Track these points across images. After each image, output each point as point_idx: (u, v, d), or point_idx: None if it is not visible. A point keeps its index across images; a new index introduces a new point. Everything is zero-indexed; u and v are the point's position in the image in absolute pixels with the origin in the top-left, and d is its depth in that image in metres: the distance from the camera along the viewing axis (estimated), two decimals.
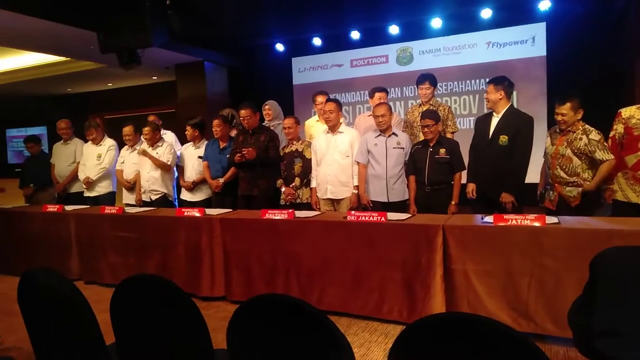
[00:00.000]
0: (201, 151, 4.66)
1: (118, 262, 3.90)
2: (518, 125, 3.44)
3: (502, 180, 3.43)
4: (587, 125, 3.17)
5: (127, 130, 4.95)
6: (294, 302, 1.05)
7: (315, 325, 1.07)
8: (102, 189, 5.10)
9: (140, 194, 4.75)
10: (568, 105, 3.12)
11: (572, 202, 3.19)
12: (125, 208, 4.20)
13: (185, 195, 4.74)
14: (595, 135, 3.11)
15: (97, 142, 5.15)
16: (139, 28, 5.20)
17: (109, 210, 4.07)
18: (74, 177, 5.27)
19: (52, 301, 1.53)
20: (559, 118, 3.18)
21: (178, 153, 4.86)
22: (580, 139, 3.13)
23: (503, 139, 3.42)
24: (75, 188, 5.30)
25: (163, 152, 4.67)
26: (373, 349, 2.63)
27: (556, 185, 3.27)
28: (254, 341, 1.17)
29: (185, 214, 3.67)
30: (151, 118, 5.61)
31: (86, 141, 5.26)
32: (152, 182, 4.67)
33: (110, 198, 5.13)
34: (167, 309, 1.30)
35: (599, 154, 3.08)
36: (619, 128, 3.21)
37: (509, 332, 0.90)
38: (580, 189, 3.16)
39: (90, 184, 5.05)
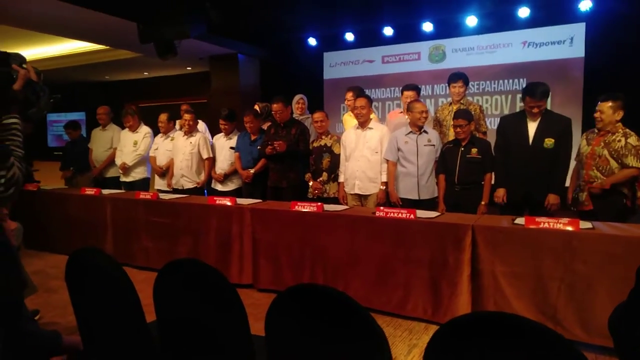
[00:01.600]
0: (232, 142, 4.76)
1: (151, 246, 4.04)
2: (561, 128, 3.38)
3: (547, 182, 3.39)
4: (627, 129, 3.12)
5: (162, 117, 5.14)
6: (336, 294, 1.09)
7: (356, 319, 1.10)
8: (137, 174, 5.28)
9: (171, 179, 4.89)
10: (609, 104, 3.12)
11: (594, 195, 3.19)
12: (159, 194, 4.33)
13: (217, 185, 4.85)
14: (634, 140, 3.06)
15: (133, 129, 5.32)
16: (177, 20, 5.33)
17: (143, 195, 4.20)
18: (110, 162, 5.46)
19: (100, 279, 1.61)
20: (597, 115, 3.20)
21: (210, 142, 4.98)
22: (619, 141, 3.10)
23: (549, 141, 3.34)
24: (111, 173, 5.49)
25: (197, 143, 4.79)
26: (397, 344, 2.66)
27: (586, 186, 3.22)
28: (292, 329, 1.21)
29: (217, 202, 3.77)
30: (184, 107, 5.73)
31: (123, 128, 5.44)
32: (186, 171, 4.81)
33: (145, 184, 5.30)
34: (210, 293, 1.37)
35: (630, 160, 3.05)
36: None
37: (557, 337, 0.87)
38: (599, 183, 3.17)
39: (126, 169, 5.22)
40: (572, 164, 3.51)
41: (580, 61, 5.87)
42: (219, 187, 4.83)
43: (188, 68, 9.04)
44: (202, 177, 4.84)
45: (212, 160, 4.86)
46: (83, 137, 6.01)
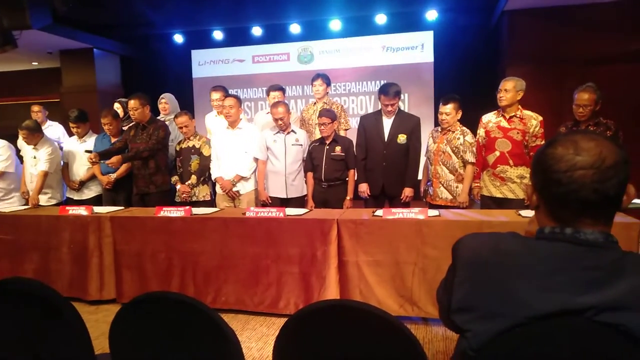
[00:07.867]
0: (88, 145, 4.33)
1: None
2: (412, 126, 3.72)
3: (402, 176, 3.68)
4: (464, 127, 3.54)
5: None
6: (177, 298, 1.05)
7: (202, 320, 1.08)
8: None
9: (37, 196, 4.20)
10: (451, 105, 3.47)
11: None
12: None
13: (72, 194, 4.38)
14: (470, 138, 3.50)
15: None
16: (14, 7, 4.67)
17: None
18: None
19: None
20: (443, 117, 3.51)
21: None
22: (458, 138, 3.49)
23: (402, 137, 3.66)
24: None
25: (39, 156, 4.19)
26: (270, 342, 2.68)
27: (434, 180, 3.59)
28: (137, 342, 1.14)
29: (70, 212, 3.41)
30: (36, 108, 5.10)
31: None
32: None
33: None
34: (41, 315, 1.22)
35: (468, 156, 3.47)
36: (481, 132, 3.62)
37: (380, 314, 0.99)
38: (454, 192, 3.53)
39: None
40: (423, 159, 3.88)
41: (430, 65, 6.52)
42: (75, 196, 4.36)
43: (34, 63, 8.01)
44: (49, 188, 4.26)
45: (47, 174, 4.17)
46: None
